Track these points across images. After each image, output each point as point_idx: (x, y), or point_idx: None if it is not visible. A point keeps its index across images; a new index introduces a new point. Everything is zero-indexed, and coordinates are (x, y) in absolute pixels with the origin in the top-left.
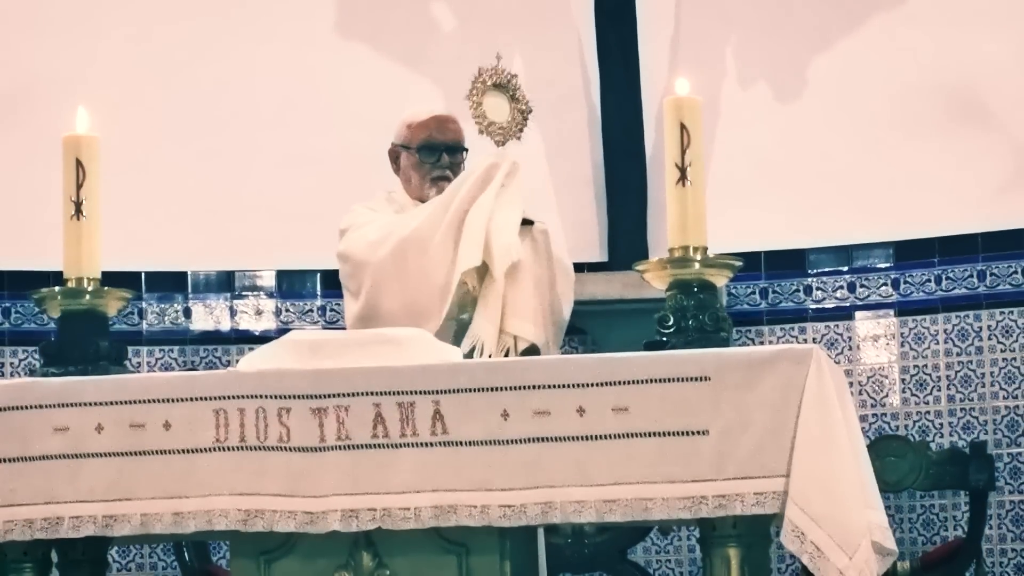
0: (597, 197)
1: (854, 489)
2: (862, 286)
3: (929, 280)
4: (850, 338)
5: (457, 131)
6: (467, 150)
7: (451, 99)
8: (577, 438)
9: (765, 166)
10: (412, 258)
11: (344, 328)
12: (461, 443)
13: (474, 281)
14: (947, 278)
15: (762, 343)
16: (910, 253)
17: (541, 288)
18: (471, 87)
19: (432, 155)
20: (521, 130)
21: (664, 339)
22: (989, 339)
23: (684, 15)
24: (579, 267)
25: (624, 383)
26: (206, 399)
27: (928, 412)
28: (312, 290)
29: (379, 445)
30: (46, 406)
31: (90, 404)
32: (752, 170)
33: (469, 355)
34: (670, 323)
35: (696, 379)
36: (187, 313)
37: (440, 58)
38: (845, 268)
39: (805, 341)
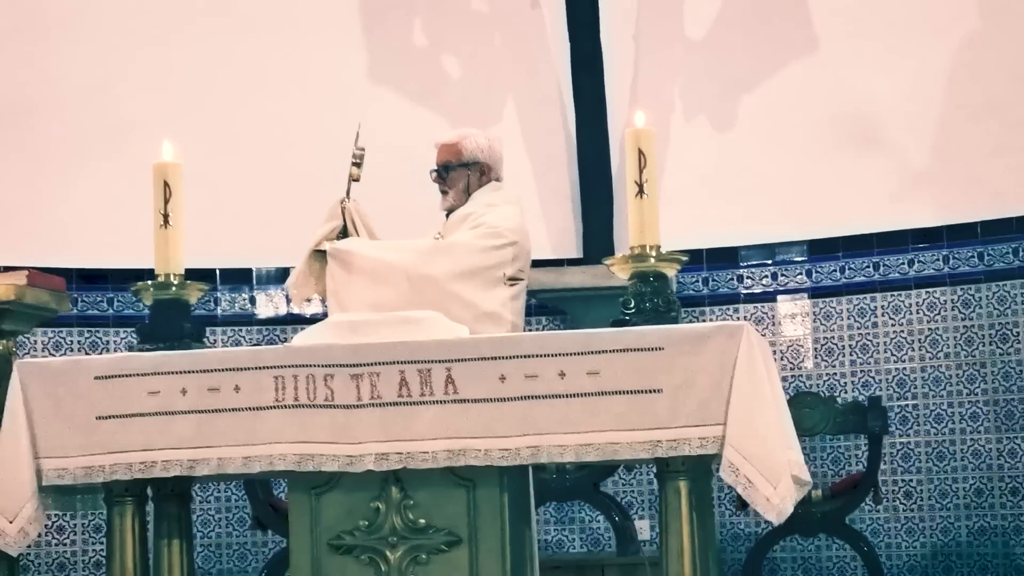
0: (574, 208)
1: (777, 434)
2: (782, 275)
3: (835, 270)
4: (773, 316)
5: (446, 152)
6: (466, 165)
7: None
8: (560, 396)
9: (705, 182)
10: None
11: None
12: (469, 400)
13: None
14: (849, 268)
15: (704, 321)
16: (820, 249)
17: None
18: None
19: (432, 176)
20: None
21: (627, 318)
22: (882, 316)
23: (641, 64)
24: (559, 262)
25: (596, 352)
26: (267, 368)
27: (835, 374)
28: None
29: (404, 403)
30: (142, 374)
31: (176, 372)
32: (695, 185)
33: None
34: (632, 305)
35: (653, 349)
36: (252, 301)
37: (449, 99)
38: (769, 261)
39: (738, 319)
